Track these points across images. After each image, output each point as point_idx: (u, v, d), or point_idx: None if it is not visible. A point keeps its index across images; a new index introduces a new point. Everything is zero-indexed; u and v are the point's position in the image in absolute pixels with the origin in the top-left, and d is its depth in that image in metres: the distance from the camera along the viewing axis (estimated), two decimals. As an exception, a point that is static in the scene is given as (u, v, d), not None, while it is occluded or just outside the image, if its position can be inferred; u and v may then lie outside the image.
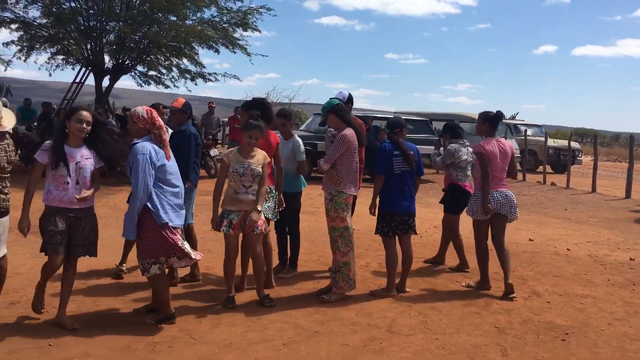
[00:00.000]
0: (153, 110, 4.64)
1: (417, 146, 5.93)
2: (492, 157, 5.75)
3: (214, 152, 14.74)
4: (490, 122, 5.91)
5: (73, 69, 17.83)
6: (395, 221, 5.64)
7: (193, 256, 4.63)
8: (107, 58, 17.12)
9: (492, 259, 5.96)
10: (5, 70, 18.79)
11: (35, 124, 14.97)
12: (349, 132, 5.39)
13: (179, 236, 4.58)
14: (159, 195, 4.49)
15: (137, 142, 4.49)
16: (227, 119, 19.43)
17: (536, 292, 5.96)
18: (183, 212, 4.71)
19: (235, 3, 16.92)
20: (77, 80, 17.68)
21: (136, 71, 18.27)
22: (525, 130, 19.52)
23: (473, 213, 5.86)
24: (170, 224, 4.49)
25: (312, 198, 11.49)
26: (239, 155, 5.15)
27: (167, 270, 4.97)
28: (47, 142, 4.50)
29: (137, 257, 4.59)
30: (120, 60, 17.10)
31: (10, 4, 15.94)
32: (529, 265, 7.08)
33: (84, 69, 17.42)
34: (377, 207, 5.75)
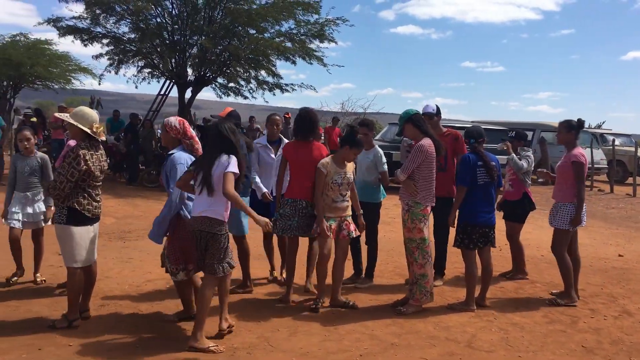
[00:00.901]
0: (185, 120, 4.81)
1: (496, 157, 5.79)
2: (585, 168, 5.70)
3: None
4: (576, 131, 5.74)
5: (158, 81, 18.65)
6: (476, 233, 5.50)
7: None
8: (190, 71, 17.76)
9: (551, 268, 5.69)
10: (99, 84, 19.92)
11: (123, 134, 15.74)
12: (426, 142, 5.33)
13: None
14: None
15: (174, 152, 4.66)
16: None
17: (627, 311, 5.63)
18: None
19: (312, 16, 17.18)
20: (162, 92, 18.49)
21: (217, 83, 18.85)
22: (613, 140, 18.54)
23: (562, 223, 5.67)
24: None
25: (388, 208, 11.39)
26: (336, 165, 5.32)
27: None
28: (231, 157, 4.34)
29: (167, 259, 4.72)
30: (202, 73, 17.70)
31: (103, 19, 16.89)
32: (618, 282, 6.70)
33: (168, 82, 18.20)
34: (456, 219, 5.64)
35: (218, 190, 4.24)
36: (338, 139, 16.02)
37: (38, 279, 5.78)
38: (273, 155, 5.96)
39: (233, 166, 4.26)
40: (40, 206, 5.71)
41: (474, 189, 5.49)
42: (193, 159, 4.63)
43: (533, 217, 7.05)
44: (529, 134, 17.01)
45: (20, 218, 5.63)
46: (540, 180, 15.63)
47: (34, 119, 14.58)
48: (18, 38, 27.19)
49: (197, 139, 4.82)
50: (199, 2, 16.97)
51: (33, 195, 5.67)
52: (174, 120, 4.75)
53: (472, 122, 20.51)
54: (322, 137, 16.89)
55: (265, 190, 5.87)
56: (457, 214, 5.60)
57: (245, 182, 5.38)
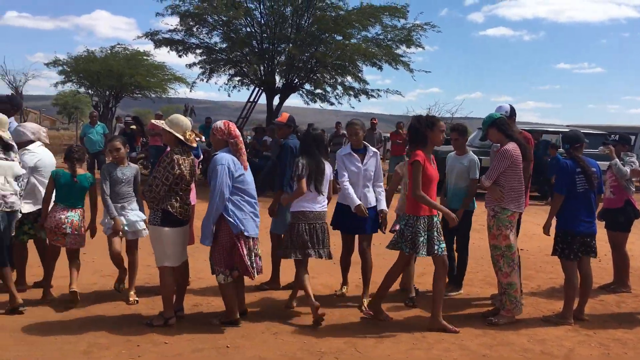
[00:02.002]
0: (230, 122, 4.96)
1: (597, 162, 5.47)
2: None
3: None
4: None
5: (248, 89, 19.23)
6: (576, 242, 5.22)
7: (251, 276, 4.82)
8: (278, 78, 18.17)
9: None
10: (190, 91, 20.80)
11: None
12: (511, 146, 5.14)
13: (252, 247, 4.83)
14: (237, 204, 4.74)
15: (217, 153, 4.78)
16: (388, 135, 19.56)
17: None
18: (258, 221, 4.92)
19: (399, 21, 17.09)
20: (251, 99, 19.02)
21: (304, 89, 19.17)
22: None
23: None
24: (246, 233, 4.73)
25: (475, 214, 11.08)
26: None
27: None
28: None
29: (210, 259, 4.87)
30: (289, 80, 18.06)
31: (196, 30, 17.65)
32: None
33: (257, 89, 18.70)
34: (551, 228, 5.38)
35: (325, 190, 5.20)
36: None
37: (131, 299, 5.45)
38: (359, 164, 5.56)
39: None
40: (139, 214, 5.56)
41: (573, 197, 5.21)
42: (236, 160, 4.77)
43: (636, 226, 6.59)
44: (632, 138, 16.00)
45: (126, 228, 5.50)
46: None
47: (134, 127, 15.38)
48: (117, 49, 28.92)
49: (241, 139, 4.95)
50: (287, 11, 17.34)
51: (128, 204, 5.50)
52: (220, 122, 4.95)
53: (567, 126, 19.60)
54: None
55: (358, 202, 5.41)
56: (552, 222, 5.36)
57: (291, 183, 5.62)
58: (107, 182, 5.39)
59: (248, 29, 17.60)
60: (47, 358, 4.08)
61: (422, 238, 4.84)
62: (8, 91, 33.48)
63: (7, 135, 4.87)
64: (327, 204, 5.38)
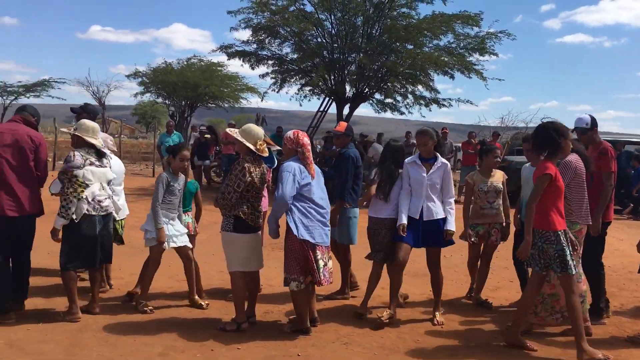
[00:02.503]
0: (300, 131, 5.05)
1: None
2: None
3: None
4: None
5: (318, 98, 19.40)
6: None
7: (323, 282, 4.85)
8: (348, 87, 18.23)
9: None
10: (261, 100, 21.24)
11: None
12: (573, 157, 5.00)
13: (321, 255, 4.81)
14: (303, 211, 4.78)
15: (286, 162, 4.90)
16: (459, 145, 19.19)
17: None
18: (328, 229, 4.93)
19: (472, 29, 16.78)
20: (322, 108, 19.18)
21: (374, 99, 19.14)
22: None
23: None
24: (312, 240, 4.74)
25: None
26: (481, 175, 5.93)
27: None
28: None
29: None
30: (360, 89, 18.07)
31: (268, 42, 18.03)
32: None
33: (327, 98, 18.85)
34: None
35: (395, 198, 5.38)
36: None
37: (204, 304, 5.58)
38: (424, 174, 5.35)
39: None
40: (181, 228, 5.58)
41: None
42: (303, 169, 4.83)
43: (625, 224, 6.15)
44: None
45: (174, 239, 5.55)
46: None
47: (208, 136, 15.84)
48: (193, 61, 29.96)
49: (308, 147, 5.00)
50: (358, 21, 17.40)
51: (174, 216, 5.54)
52: (290, 132, 5.05)
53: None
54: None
55: (403, 221, 5.25)
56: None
57: (355, 192, 5.92)
58: (161, 192, 5.40)
59: (319, 40, 17.78)
60: (126, 359, 4.24)
61: (569, 253, 4.50)
62: (92, 101, 35.39)
63: (99, 143, 5.11)
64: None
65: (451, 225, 5.31)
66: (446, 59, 16.54)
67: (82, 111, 5.98)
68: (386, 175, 5.44)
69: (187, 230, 5.64)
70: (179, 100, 30.03)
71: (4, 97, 32.09)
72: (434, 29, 16.28)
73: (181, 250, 5.58)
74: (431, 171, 5.34)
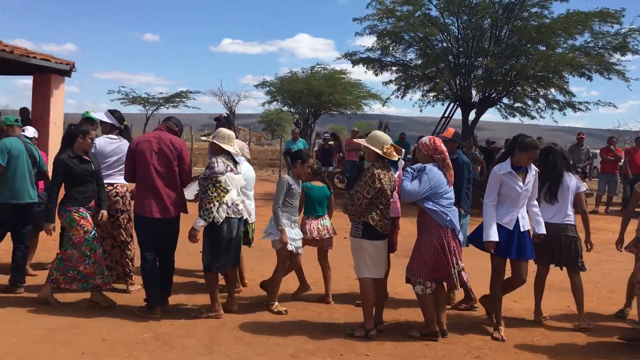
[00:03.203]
0: (436, 138, 5.00)
1: None
2: None
3: (584, 187, 13.61)
4: None
5: (442, 104, 19.05)
6: None
7: (456, 285, 4.85)
8: (474, 92, 17.73)
9: None
10: (382, 106, 21.25)
11: (409, 156, 16.37)
12: None
13: (456, 260, 4.79)
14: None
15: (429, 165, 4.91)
16: (598, 151, 17.90)
17: None
18: (462, 236, 5.01)
19: (612, 26, 15.63)
20: (446, 114, 18.80)
21: (501, 104, 18.43)
22: None
23: None
24: (450, 225, 4.81)
25: None
26: None
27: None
28: None
29: (408, 269, 4.92)
30: (486, 94, 17.50)
31: (392, 49, 18.02)
32: None
33: (452, 104, 18.45)
34: None
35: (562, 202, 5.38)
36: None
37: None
38: (521, 184, 5.05)
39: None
40: (298, 232, 5.67)
41: None
42: (441, 173, 4.87)
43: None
44: None
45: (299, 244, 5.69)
46: None
47: (332, 142, 16.12)
48: (316, 69, 30.67)
49: (447, 154, 4.95)
50: (485, 24, 16.88)
51: (296, 219, 5.66)
52: (426, 138, 5.03)
53: None
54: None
55: (494, 238, 4.98)
56: None
57: (468, 197, 5.76)
58: (282, 195, 5.53)
59: (444, 44, 17.49)
60: (259, 358, 4.41)
61: None
62: (224, 110, 37.39)
63: (234, 150, 5.37)
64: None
65: (542, 229, 5.23)
66: (582, 60, 15.54)
67: (228, 122, 6.34)
68: (556, 177, 5.42)
69: (300, 238, 5.68)
70: (303, 108, 30.85)
71: (147, 108, 34.86)
72: (569, 28, 15.38)
73: (293, 255, 5.70)
74: (527, 180, 5.11)
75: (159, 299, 5.31)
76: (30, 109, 12.50)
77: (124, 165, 5.56)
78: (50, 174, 5.71)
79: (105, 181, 5.66)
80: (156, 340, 4.62)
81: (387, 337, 4.94)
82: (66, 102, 12.70)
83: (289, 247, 5.51)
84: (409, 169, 4.92)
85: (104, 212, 5.51)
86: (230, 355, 4.40)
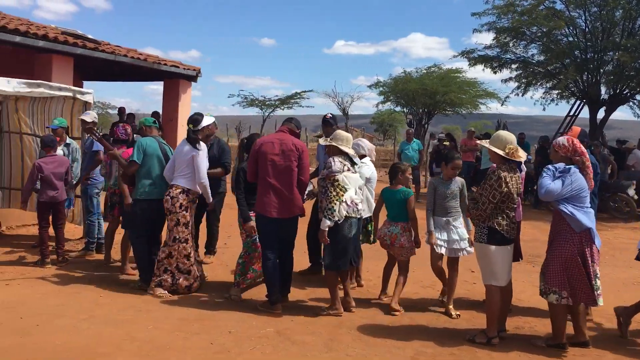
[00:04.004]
0: (574, 139, 4.70)
1: None
2: None
3: None
4: None
5: (567, 102, 18.03)
6: None
7: (595, 302, 4.55)
8: (603, 89, 16.62)
9: None
10: (501, 104, 20.49)
11: (529, 157, 15.63)
12: None
13: (593, 269, 4.51)
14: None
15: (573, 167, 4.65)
16: None
17: None
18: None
19: None
20: (571, 113, 17.76)
21: (635, 100, 17.12)
22: None
23: None
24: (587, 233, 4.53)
25: None
26: None
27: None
28: None
29: (541, 275, 4.69)
30: (617, 91, 16.33)
31: (512, 45, 17.32)
32: None
33: (578, 102, 17.40)
34: None
35: None
36: None
37: (453, 314, 5.53)
38: None
39: None
40: (461, 232, 5.62)
41: None
42: (582, 176, 4.62)
43: None
44: None
45: (444, 244, 5.60)
46: None
47: (447, 143, 15.77)
48: (432, 69, 30.16)
49: (587, 155, 4.69)
50: (616, 16, 15.75)
51: (453, 220, 5.59)
52: (562, 139, 4.75)
53: None
54: None
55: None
56: None
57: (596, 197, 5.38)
58: (432, 197, 5.61)
59: (569, 39, 16.54)
60: (379, 359, 4.41)
61: None
62: (337, 111, 37.84)
63: (352, 151, 5.43)
64: None
65: None
66: None
67: (335, 123, 6.43)
68: None
69: (464, 239, 5.60)
70: (417, 108, 30.47)
71: (263, 110, 36.06)
72: None
73: (449, 259, 5.66)
74: None
75: (280, 295, 5.48)
76: (160, 112, 13.41)
77: (185, 168, 5.82)
78: None
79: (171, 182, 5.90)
80: (278, 335, 4.76)
81: (509, 345, 4.76)
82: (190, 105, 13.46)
83: (437, 249, 5.53)
84: (550, 167, 4.69)
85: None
86: (350, 354, 4.44)
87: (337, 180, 5.20)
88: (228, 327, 4.87)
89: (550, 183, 4.57)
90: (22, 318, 4.86)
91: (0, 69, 8.44)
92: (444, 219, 5.57)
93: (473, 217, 4.83)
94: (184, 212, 5.77)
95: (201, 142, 5.99)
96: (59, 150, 7.21)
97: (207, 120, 6.11)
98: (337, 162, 5.25)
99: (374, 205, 6.03)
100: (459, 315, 5.51)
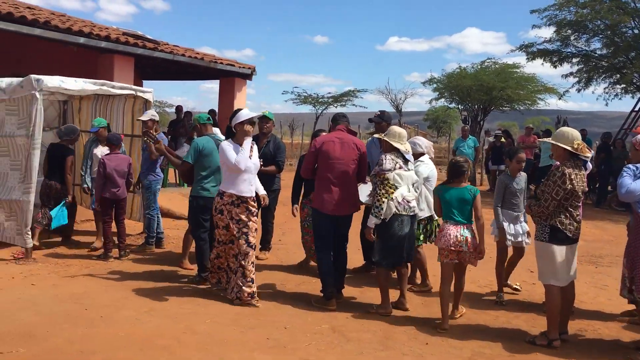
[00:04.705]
0: None
1: None
2: None
3: None
4: None
5: (632, 96, 17.30)
6: None
7: None
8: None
9: None
10: (559, 99, 19.88)
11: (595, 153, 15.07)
12: None
13: None
14: None
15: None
16: None
17: None
18: None
19: None
20: (637, 108, 17.02)
21: None
22: None
23: None
24: None
25: None
26: None
27: None
28: None
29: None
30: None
31: (573, 39, 16.76)
32: None
33: (643, 97, 16.69)
34: None
35: None
36: None
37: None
38: None
39: None
40: (525, 227, 5.77)
41: None
42: None
43: None
44: None
45: (512, 238, 5.72)
46: None
47: (503, 140, 15.41)
48: (487, 64, 29.48)
49: None
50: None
51: (522, 216, 5.76)
52: None
53: None
54: None
55: None
56: None
57: None
58: (500, 193, 5.74)
59: (635, 31, 15.84)
60: (435, 358, 4.35)
61: None
62: (390, 109, 37.62)
63: (405, 148, 5.36)
64: None
65: None
66: None
67: (382, 120, 6.38)
68: None
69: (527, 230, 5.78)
70: (472, 104, 29.86)
71: (316, 107, 36.20)
72: None
73: (517, 250, 5.89)
74: None
75: (334, 290, 5.49)
76: (216, 110, 13.65)
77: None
78: None
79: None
80: (333, 331, 4.77)
81: (571, 349, 4.61)
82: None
83: (507, 242, 5.71)
84: (630, 167, 4.55)
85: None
86: (406, 352, 4.40)
87: (387, 179, 5.16)
88: (283, 322, 4.91)
89: (631, 183, 4.41)
90: (87, 309, 5.04)
91: (66, 69, 8.77)
92: (515, 213, 5.74)
93: (534, 215, 4.69)
94: (220, 215, 5.51)
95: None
96: (102, 149, 7.48)
97: (243, 115, 5.56)
98: (388, 160, 5.21)
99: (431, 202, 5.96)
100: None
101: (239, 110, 5.72)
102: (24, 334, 4.38)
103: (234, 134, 5.54)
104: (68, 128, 7.65)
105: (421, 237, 5.92)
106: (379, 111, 6.65)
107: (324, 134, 6.18)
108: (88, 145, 7.81)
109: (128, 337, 4.42)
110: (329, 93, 37.27)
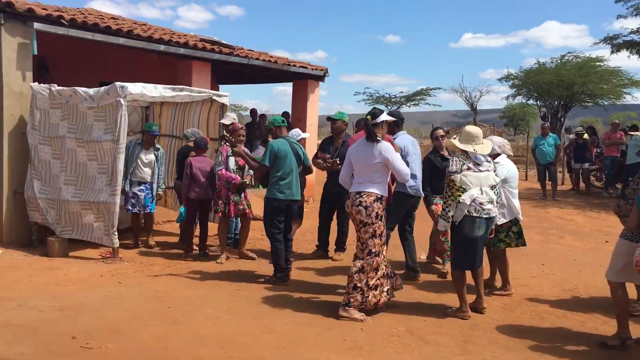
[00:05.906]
0: None
1: None
2: None
3: None
4: None
5: None
6: None
7: None
8: None
9: None
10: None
11: None
12: None
13: None
14: None
15: None
16: None
17: None
18: None
19: None
20: None
21: None
22: None
23: None
24: None
25: None
26: None
27: None
28: None
29: None
30: None
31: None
32: None
33: None
34: None
35: None
36: None
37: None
38: None
39: None
40: None
41: None
42: None
43: None
44: None
45: None
46: None
47: (586, 136, 14.74)
48: (567, 58, 28.30)
49: None
50: None
51: None
52: None
53: None
54: None
55: None
56: None
57: None
58: None
59: None
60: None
61: None
62: (465, 107, 36.82)
63: (473, 147, 5.16)
64: None
65: None
66: None
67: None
68: None
69: None
70: (551, 100, 28.75)
71: (389, 107, 35.96)
72: None
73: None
74: None
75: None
76: (290, 112, 13.82)
77: (373, 174, 5.19)
78: None
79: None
80: (410, 334, 4.71)
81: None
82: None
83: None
84: None
85: None
86: (486, 357, 4.28)
87: (453, 181, 5.06)
88: (360, 324, 4.90)
89: None
90: (169, 307, 5.23)
91: (147, 76, 9.13)
92: None
93: (619, 213, 4.48)
94: (379, 222, 5.14)
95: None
96: (150, 155, 7.79)
97: (384, 116, 5.32)
98: (454, 162, 5.12)
99: (517, 207, 5.74)
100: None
101: (378, 108, 5.48)
102: (112, 330, 4.59)
103: (375, 132, 5.17)
104: (194, 131, 8.01)
105: (506, 240, 5.77)
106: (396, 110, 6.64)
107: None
108: (130, 148, 7.66)
109: (209, 335, 4.54)
110: (401, 92, 36.98)
